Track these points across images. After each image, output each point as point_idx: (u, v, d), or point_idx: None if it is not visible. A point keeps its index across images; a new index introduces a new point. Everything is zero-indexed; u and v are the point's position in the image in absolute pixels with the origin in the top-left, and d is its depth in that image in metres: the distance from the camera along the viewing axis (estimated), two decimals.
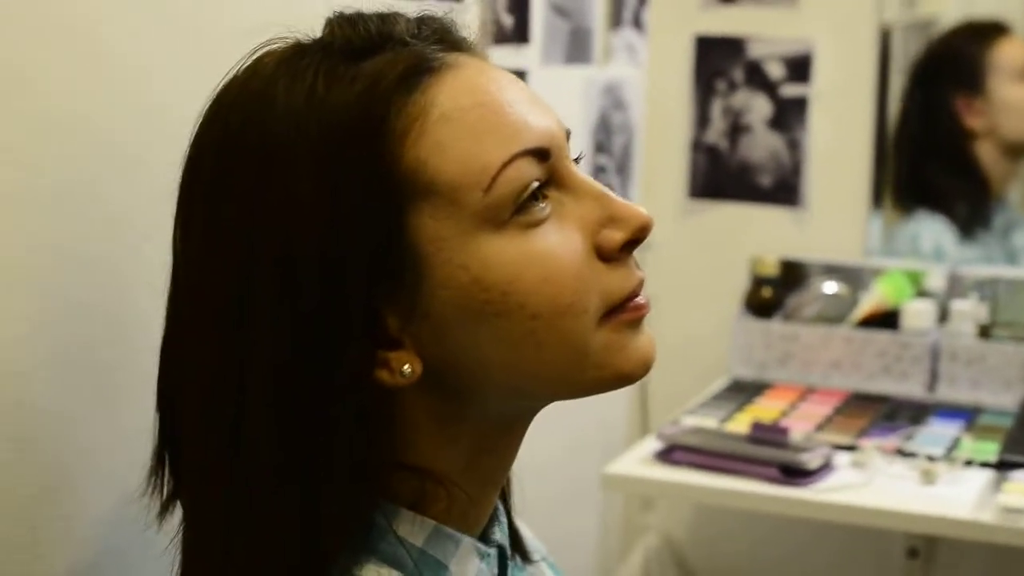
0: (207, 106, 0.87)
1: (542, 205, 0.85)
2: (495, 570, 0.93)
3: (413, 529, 0.87)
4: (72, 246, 1.04)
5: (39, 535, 1.03)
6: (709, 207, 2.78)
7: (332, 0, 0.90)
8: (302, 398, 0.82)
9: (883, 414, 2.37)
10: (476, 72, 0.86)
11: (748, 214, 2.75)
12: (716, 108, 2.75)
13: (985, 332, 2.46)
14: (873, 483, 2.03)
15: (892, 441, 2.18)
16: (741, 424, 2.26)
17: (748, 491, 2.02)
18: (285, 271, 0.81)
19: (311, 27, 0.88)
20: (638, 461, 2.14)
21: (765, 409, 2.39)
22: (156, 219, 0.92)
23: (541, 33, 2.21)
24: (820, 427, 2.29)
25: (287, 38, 0.88)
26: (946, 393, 2.45)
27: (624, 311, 0.87)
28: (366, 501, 0.85)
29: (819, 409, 2.39)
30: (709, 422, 2.29)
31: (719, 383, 2.57)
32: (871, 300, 2.55)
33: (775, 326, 2.57)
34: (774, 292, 2.62)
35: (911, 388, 2.47)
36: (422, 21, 0.88)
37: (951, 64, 2.73)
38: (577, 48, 2.36)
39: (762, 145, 2.72)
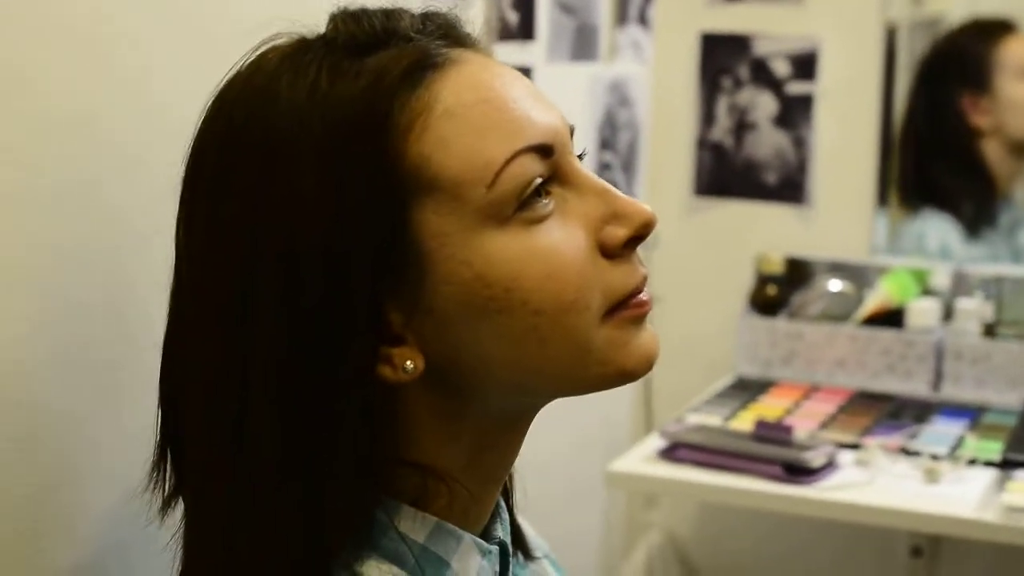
0: (210, 102, 0.87)
1: (545, 201, 0.85)
2: (497, 567, 0.93)
3: (415, 525, 0.87)
4: (74, 244, 1.03)
5: (42, 531, 1.03)
6: (714, 205, 2.78)
7: None
8: (305, 394, 0.82)
9: (887, 412, 2.37)
10: (480, 68, 0.86)
11: (753, 212, 2.74)
12: (722, 105, 2.75)
13: (990, 331, 2.46)
14: (876, 482, 2.03)
15: (896, 440, 2.18)
16: (745, 422, 2.26)
17: (752, 489, 2.02)
18: (288, 267, 0.81)
19: (315, 23, 0.88)
20: (642, 459, 2.14)
21: (769, 407, 2.39)
22: (158, 217, 0.92)
23: (546, 30, 2.21)
24: (824, 425, 2.29)
25: (291, 34, 0.87)
26: (950, 392, 2.45)
27: (627, 308, 0.87)
28: (369, 497, 0.85)
29: (823, 407, 2.39)
30: (713, 420, 2.29)
31: (724, 381, 2.57)
32: (876, 298, 2.55)
33: (780, 324, 2.57)
34: (779, 290, 2.62)
35: (915, 387, 2.47)
36: (426, 17, 0.88)
37: (957, 62, 2.73)
38: (582, 45, 2.36)
39: (768, 143, 2.72)
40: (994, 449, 2.14)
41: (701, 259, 2.78)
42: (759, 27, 2.70)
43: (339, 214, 0.81)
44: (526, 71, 2.08)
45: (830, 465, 2.07)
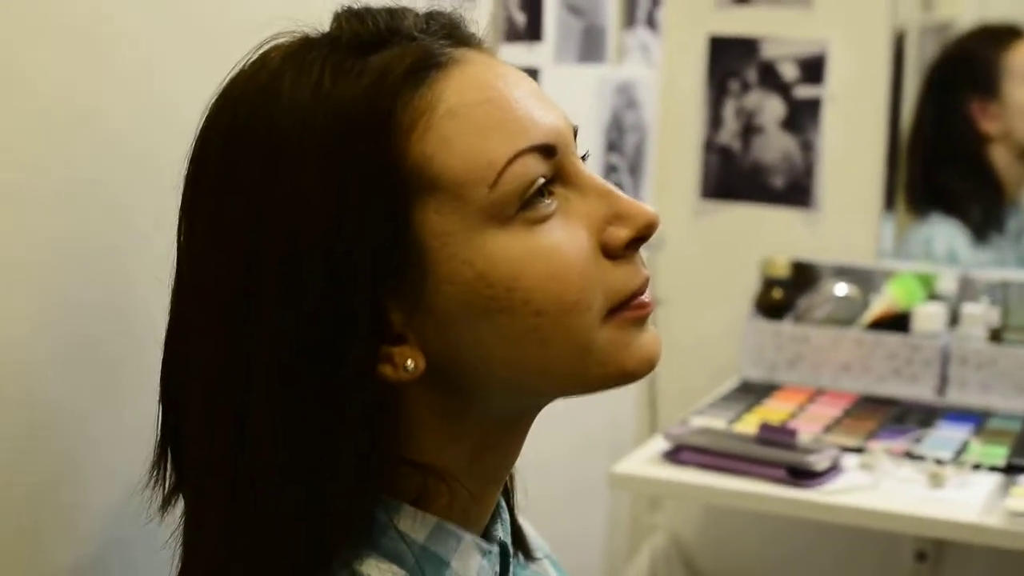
0: (214, 99, 0.87)
1: (548, 201, 0.84)
2: (497, 567, 0.93)
3: (415, 525, 0.87)
4: (76, 242, 1.04)
5: (42, 528, 1.03)
6: (721, 208, 2.77)
7: None
8: (307, 394, 0.82)
9: (892, 417, 2.37)
10: (483, 68, 0.86)
11: (760, 215, 2.74)
12: (729, 109, 2.74)
13: (996, 336, 2.46)
14: (880, 486, 2.03)
15: (900, 444, 2.17)
16: (749, 425, 2.26)
17: (756, 492, 2.02)
18: (290, 265, 0.81)
19: (319, 22, 0.88)
20: (646, 461, 2.13)
21: (774, 410, 2.39)
22: (160, 214, 0.92)
23: (554, 31, 2.21)
24: (829, 429, 2.29)
25: (295, 32, 0.87)
26: (956, 397, 2.44)
27: (628, 308, 0.86)
28: (369, 497, 0.85)
29: (828, 411, 2.39)
30: (717, 423, 2.29)
31: (729, 383, 2.57)
32: (882, 302, 2.54)
33: (786, 327, 2.57)
34: (785, 293, 2.61)
35: (921, 391, 2.47)
36: (430, 16, 0.88)
37: (966, 67, 2.73)
38: (590, 47, 2.36)
39: (775, 146, 2.72)
40: (999, 454, 2.14)
41: (707, 262, 2.78)
42: (767, 30, 2.70)
43: (341, 213, 0.80)
44: (533, 72, 2.08)
45: (834, 469, 2.07)
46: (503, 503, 0.97)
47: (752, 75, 2.72)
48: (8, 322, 0.98)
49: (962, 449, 2.17)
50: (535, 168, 0.84)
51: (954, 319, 2.52)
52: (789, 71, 2.69)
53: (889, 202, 2.69)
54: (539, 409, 0.91)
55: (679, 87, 2.76)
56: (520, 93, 0.86)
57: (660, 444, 2.16)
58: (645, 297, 0.88)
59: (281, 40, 0.87)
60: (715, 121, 2.76)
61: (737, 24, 2.72)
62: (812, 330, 2.55)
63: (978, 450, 2.16)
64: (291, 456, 0.82)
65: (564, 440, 2.33)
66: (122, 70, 1.07)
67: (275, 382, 0.82)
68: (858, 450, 2.16)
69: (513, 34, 2.06)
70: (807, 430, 2.22)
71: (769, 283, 2.62)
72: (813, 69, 2.67)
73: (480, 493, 0.90)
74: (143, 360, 1.02)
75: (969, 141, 2.68)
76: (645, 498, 2.75)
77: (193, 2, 1.15)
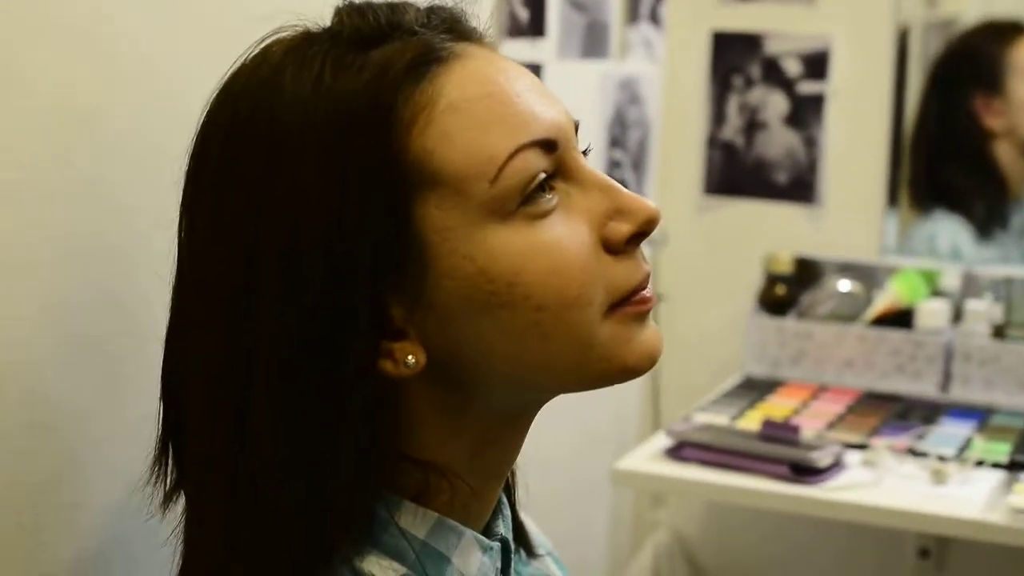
0: (215, 95, 0.87)
1: (549, 196, 0.84)
2: (498, 563, 0.92)
3: (415, 521, 0.86)
4: (78, 240, 1.03)
5: (44, 524, 1.03)
6: (724, 204, 2.77)
7: None
8: (307, 390, 0.82)
9: (895, 413, 2.36)
10: (485, 62, 0.86)
11: (763, 211, 2.74)
12: (732, 104, 2.74)
13: (999, 332, 2.45)
14: (883, 482, 2.03)
15: (903, 440, 2.17)
16: (752, 421, 2.26)
17: (758, 489, 2.02)
18: (290, 260, 0.81)
19: (320, 16, 0.88)
20: (648, 457, 2.13)
21: (777, 407, 2.39)
22: (162, 212, 0.92)
23: (557, 27, 2.20)
24: (832, 425, 2.29)
25: (296, 27, 0.87)
26: (959, 393, 2.44)
27: (630, 304, 0.86)
28: (370, 494, 0.85)
29: (831, 407, 2.39)
30: (720, 419, 2.29)
31: (732, 380, 2.57)
32: (885, 299, 2.55)
33: (789, 324, 2.57)
34: (788, 290, 2.61)
35: (924, 388, 2.47)
36: (432, 11, 0.88)
37: (970, 64, 2.72)
38: (593, 42, 2.36)
39: (778, 142, 2.72)
40: (1002, 451, 2.13)
41: (710, 258, 2.78)
42: (771, 26, 2.70)
43: (341, 208, 0.80)
44: (536, 68, 2.08)
45: (837, 465, 2.07)
46: (504, 499, 0.97)
47: (755, 71, 2.72)
48: (9, 321, 0.98)
49: (965, 446, 2.17)
50: (536, 163, 0.83)
51: (957, 315, 2.52)
52: (792, 67, 2.69)
53: (892, 198, 2.69)
54: (540, 405, 0.91)
55: (682, 83, 2.76)
56: (521, 88, 0.85)
57: (663, 440, 2.16)
58: (646, 292, 0.87)
59: (282, 35, 0.87)
60: (718, 117, 2.76)
61: (740, 20, 2.72)
62: (815, 326, 2.55)
63: (981, 447, 2.16)
64: (291, 452, 0.82)
65: (567, 436, 2.33)
66: (122, 69, 1.07)
67: (275, 378, 0.82)
68: (861, 447, 2.16)
69: (516, 30, 2.06)
70: (810, 426, 2.22)
71: (772, 279, 2.62)
72: (816, 65, 2.67)
73: (481, 489, 0.90)
74: (144, 358, 1.02)
75: (973, 137, 2.68)
76: (648, 494, 2.75)
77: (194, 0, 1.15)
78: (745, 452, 2.06)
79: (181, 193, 0.87)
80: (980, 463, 2.09)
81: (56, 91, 1.00)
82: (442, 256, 0.82)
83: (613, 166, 2.51)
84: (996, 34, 2.71)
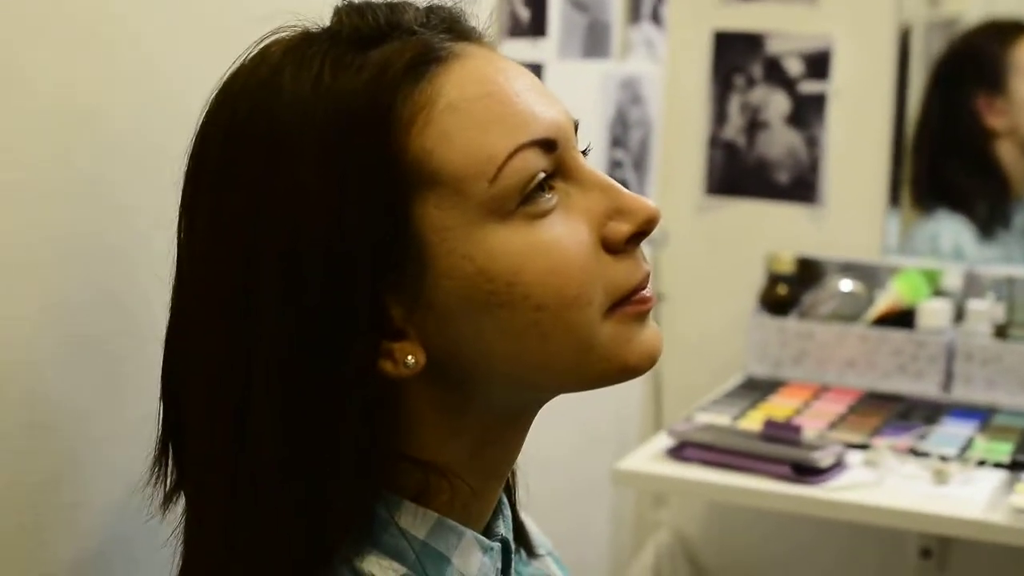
0: (214, 95, 0.87)
1: (548, 196, 0.84)
2: (498, 564, 0.92)
3: (415, 521, 0.86)
4: (78, 241, 1.03)
5: (44, 524, 1.03)
6: (726, 203, 2.77)
7: None
8: (307, 390, 0.82)
9: (897, 413, 2.36)
10: (484, 62, 0.86)
11: (765, 211, 2.74)
12: (734, 104, 2.74)
13: (1001, 332, 2.45)
14: (885, 482, 2.03)
15: (905, 440, 2.17)
16: (754, 421, 2.26)
17: (760, 489, 2.02)
18: (289, 260, 0.81)
19: (320, 16, 0.88)
20: (649, 457, 2.13)
21: (778, 407, 2.38)
22: (162, 213, 0.92)
23: (558, 27, 2.20)
24: (833, 425, 2.29)
25: (295, 27, 0.87)
26: (961, 393, 2.44)
27: (629, 304, 0.86)
28: (370, 493, 0.85)
29: (833, 407, 2.39)
30: (722, 419, 2.29)
31: (733, 380, 2.57)
32: (887, 299, 2.54)
33: (790, 324, 2.57)
34: (790, 289, 2.61)
35: (926, 387, 2.47)
36: (431, 10, 0.88)
37: (973, 63, 2.72)
38: (595, 42, 2.36)
39: (780, 142, 2.71)
40: (1004, 451, 2.13)
41: (712, 258, 2.78)
42: (772, 26, 2.69)
43: (340, 208, 0.80)
44: (537, 68, 2.08)
45: (839, 465, 2.06)
46: (505, 499, 0.97)
47: (757, 70, 2.72)
48: (8, 321, 0.98)
49: (967, 446, 2.17)
50: (535, 162, 0.83)
51: (959, 315, 2.52)
52: (794, 66, 2.69)
53: (894, 198, 2.69)
54: (541, 405, 0.91)
55: (684, 82, 2.76)
56: (520, 87, 0.85)
57: (664, 441, 2.16)
58: (646, 292, 0.87)
59: (282, 35, 0.87)
60: (720, 116, 2.76)
61: (742, 19, 2.71)
62: (817, 326, 2.55)
63: (983, 446, 2.15)
64: (291, 452, 0.82)
65: (568, 436, 2.33)
66: (122, 69, 1.07)
67: (275, 377, 0.82)
68: (863, 447, 2.16)
69: (517, 29, 2.06)
70: (812, 426, 2.22)
71: (774, 279, 2.62)
72: (818, 64, 2.67)
73: (481, 489, 0.90)
74: (144, 358, 1.02)
75: (975, 137, 2.68)
76: (649, 495, 2.75)
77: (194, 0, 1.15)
78: (747, 452, 2.06)
79: (181, 194, 0.87)
80: (982, 463, 2.09)
81: (56, 91, 1.00)
82: (441, 256, 0.82)
83: (615, 166, 2.51)
84: (998, 33, 2.71)
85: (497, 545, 0.92)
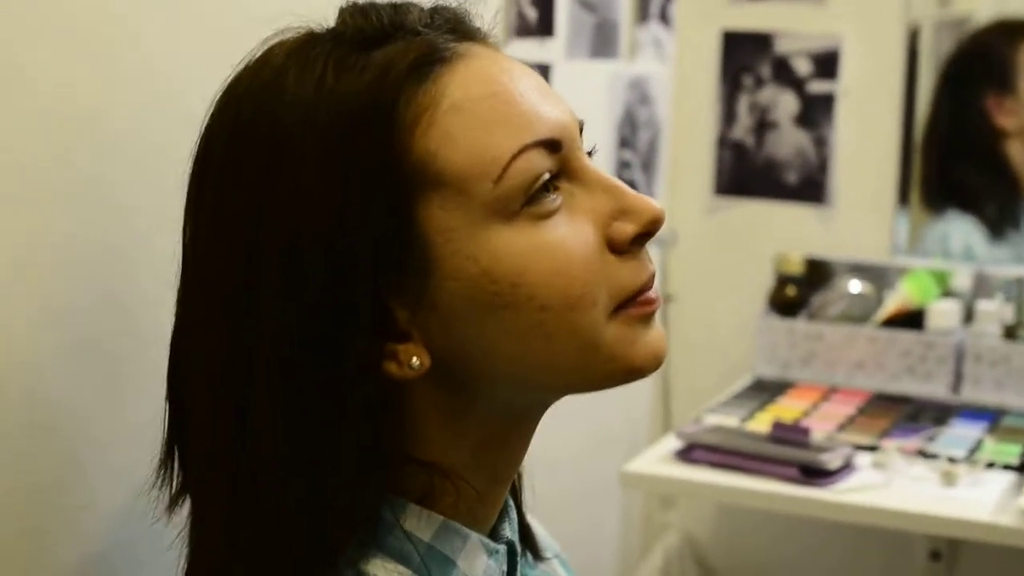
0: (218, 96, 0.86)
1: (553, 197, 0.84)
2: (504, 567, 0.92)
3: (420, 524, 0.86)
4: (78, 241, 1.03)
5: (47, 527, 1.03)
6: (734, 204, 2.77)
7: None
8: (309, 390, 0.82)
9: (906, 415, 2.36)
10: (488, 62, 0.85)
11: (773, 211, 2.73)
12: (743, 104, 2.74)
13: (1011, 333, 2.44)
14: (893, 484, 2.02)
15: (914, 442, 2.16)
16: (762, 423, 2.25)
17: (768, 491, 2.01)
18: (292, 261, 0.81)
19: (324, 18, 0.87)
20: (658, 459, 2.13)
21: (787, 408, 2.38)
22: (167, 211, 0.92)
23: (566, 26, 2.20)
24: (842, 427, 2.28)
25: (299, 28, 0.87)
26: (970, 394, 2.43)
27: (635, 305, 0.86)
28: (373, 495, 0.84)
29: (842, 409, 2.38)
30: (730, 421, 2.29)
31: (742, 381, 2.56)
32: (896, 300, 2.54)
33: (799, 325, 2.56)
34: (799, 290, 2.61)
35: (935, 389, 2.46)
36: (435, 11, 0.87)
37: (982, 63, 2.72)
38: (603, 42, 2.35)
39: (788, 142, 2.71)
40: (1013, 452, 2.12)
41: (720, 259, 2.77)
42: (781, 25, 2.69)
43: (344, 209, 0.80)
44: (545, 68, 2.07)
45: (847, 467, 2.06)
46: (511, 502, 0.96)
47: (766, 70, 2.71)
48: (9, 322, 0.98)
49: (976, 447, 2.16)
50: (540, 163, 0.83)
51: (969, 316, 2.51)
52: (803, 66, 2.68)
53: (903, 198, 2.69)
54: (546, 406, 0.91)
55: (692, 82, 2.75)
56: (525, 87, 0.85)
57: (673, 442, 2.15)
58: (651, 294, 0.87)
59: (285, 36, 0.87)
60: (728, 117, 2.75)
61: (750, 19, 2.71)
62: (826, 327, 2.54)
63: (992, 448, 2.15)
64: (292, 450, 0.82)
65: (577, 438, 2.32)
66: (123, 69, 1.06)
67: (276, 375, 0.82)
68: (871, 448, 2.16)
69: (525, 29, 2.06)
70: (820, 428, 2.22)
71: (783, 280, 2.62)
72: (827, 64, 2.67)
73: (486, 492, 0.90)
74: (145, 359, 1.02)
75: (985, 136, 2.67)
76: (658, 497, 2.75)
77: (195, 0, 1.14)
78: (755, 454, 2.05)
79: (185, 194, 0.87)
80: (991, 465, 2.08)
81: (56, 91, 1.00)
82: (445, 257, 0.82)
83: (623, 166, 2.50)
84: (1008, 33, 2.71)
85: (502, 548, 0.92)
